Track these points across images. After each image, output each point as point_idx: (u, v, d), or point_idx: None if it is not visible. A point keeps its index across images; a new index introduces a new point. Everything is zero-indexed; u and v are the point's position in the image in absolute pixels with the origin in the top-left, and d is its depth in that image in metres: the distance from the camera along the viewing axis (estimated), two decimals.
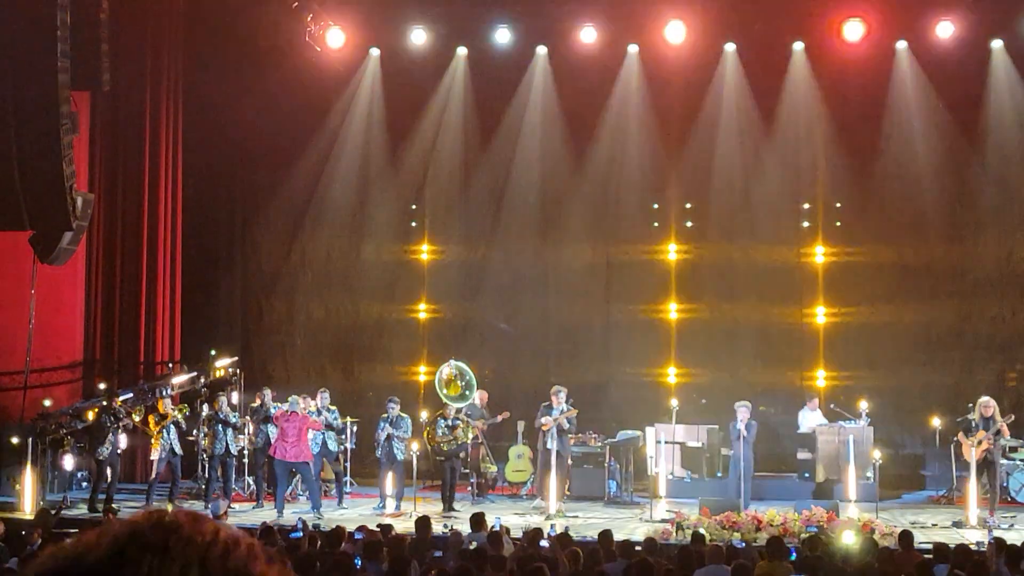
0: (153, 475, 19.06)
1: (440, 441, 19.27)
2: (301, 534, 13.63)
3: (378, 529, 13.71)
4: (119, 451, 19.16)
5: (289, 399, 18.94)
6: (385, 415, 19.44)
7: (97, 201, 20.66)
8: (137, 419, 19.25)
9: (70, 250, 18.18)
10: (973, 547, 13.71)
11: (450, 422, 19.34)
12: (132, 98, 22.01)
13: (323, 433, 19.60)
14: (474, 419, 20.67)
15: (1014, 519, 17.79)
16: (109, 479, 18.81)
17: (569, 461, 19.84)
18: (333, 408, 20.01)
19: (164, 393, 19.69)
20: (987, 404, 18.18)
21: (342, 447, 20.35)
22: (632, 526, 17.28)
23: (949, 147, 22.96)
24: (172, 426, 19.00)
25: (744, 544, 14.62)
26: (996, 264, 23.14)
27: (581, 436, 20.57)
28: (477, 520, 13.72)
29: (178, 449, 19.11)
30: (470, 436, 19.26)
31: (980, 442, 17.84)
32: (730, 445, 20.09)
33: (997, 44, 22.42)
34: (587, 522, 17.57)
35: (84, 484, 20.24)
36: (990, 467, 17.98)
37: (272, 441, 19.09)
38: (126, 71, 21.23)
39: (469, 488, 20.24)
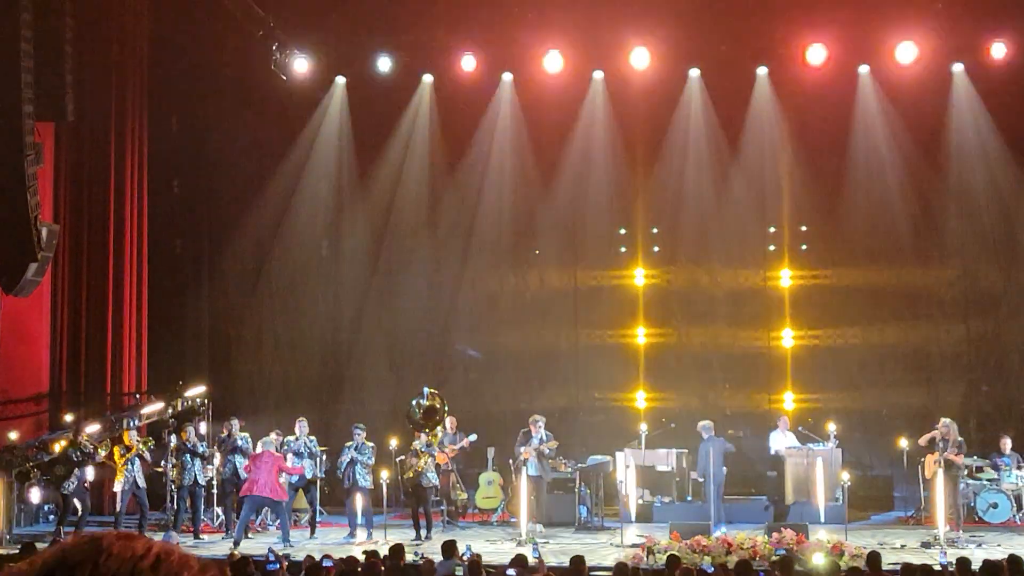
0: (118, 507, 18.97)
1: (400, 471, 19.34)
2: (277, 566, 13.55)
3: (364, 555, 13.63)
4: (86, 485, 19.03)
5: (262, 440, 18.86)
6: (350, 442, 19.40)
7: (62, 232, 20.58)
8: (103, 453, 19.12)
9: (35, 281, 18.09)
10: (938, 568, 13.79)
11: (411, 453, 19.31)
12: (97, 128, 21.93)
13: (302, 462, 19.51)
14: (444, 446, 20.69)
15: (982, 538, 17.89)
16: (80, 513, 18.68)
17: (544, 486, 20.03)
18: (312, 437, 19.93)
19: (130, 425, 19.58)
20: (944, 426, 18.82)
21: (320, 473, 20.27)
22: (603, 551, 17.26)
23: (912, 169, 23.16)
24: (136, 458, 18.91)
25: (714, 568, 14.66)
26: (960, 285, 23.33)
27: (551, 461, 20.67)
28: (448, 548, 13.70)
29: (141, 482, 19.01)
30: (424, 464, 19.11)
31: (933, 462, 18.45)
32: (697, 468, 20.26)
33: (958, 68, 22.64)
34: (558, 548, 17.55)
35: (51, 517, 20.07)
36: (947, 487, 18.24)
37: (238, 471, 19.08)
38: (90, 102, 21.18)
39: (440, 515, 20.19)
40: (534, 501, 19.60)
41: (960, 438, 19.04)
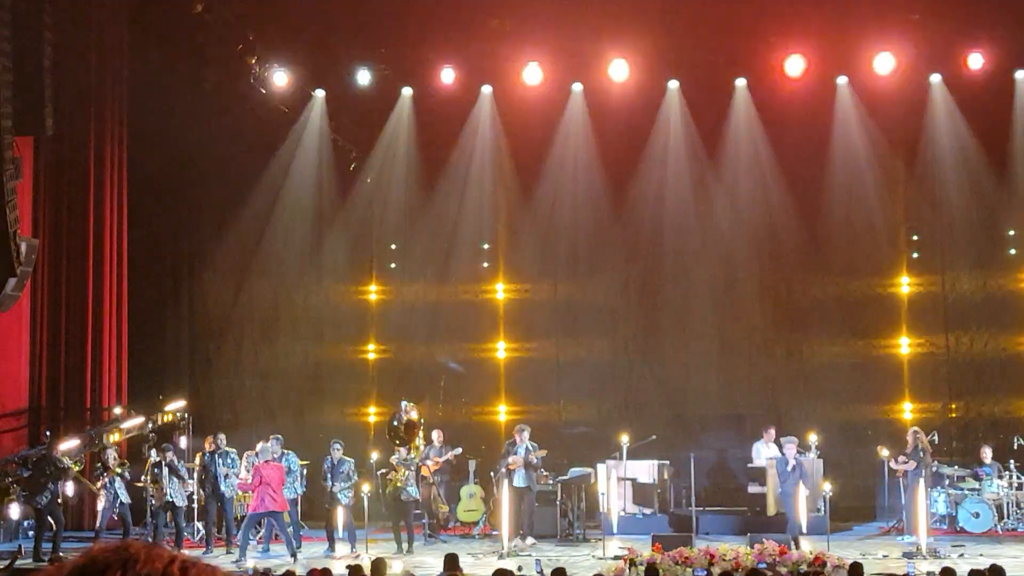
0: (99, 524, 18.90)
1: (382, 486, 19.36)
2: None
3: (347, 570, 13.57)
4: (60, 499, 18.93)
5: (259, 447, 18.78)
6: (328, 456, 19.31)
7: (41, 247, 20.48)
8: (77, 468, 19.00)
9: (14, 296, 18.01)
10: None
11: (390, 467, 19.29)
12: (76, 143, 21.86)
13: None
14: (428, 458, 20.75)
15: (964, 548, 17.95)
16: (54, 528, 18.56)
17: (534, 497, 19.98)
18: (290, 452, 19.84)
19: (108, 442, 19.49)
20: (910, 433, 19.49)
21: (301, 488, 20.28)
22: (585, 564, 17.24)
23: (890, 180, 23.27)
24: (117, 478, 18.83)
25: (705, 571, 14.75)
26: (940, 295, 23.41)
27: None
28: (451, 561, 13.67)
29: (125, 498, 18.92)
30: (403, 478, 19.04)
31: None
32: (682, 481, 20.26)
33: (936, 78, 22.76)
34: (540, 560, 17.50)
35: (31, 533, 19.92)
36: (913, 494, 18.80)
37: (223, 488, 19.07)
38: (70, 116, 21.11)
39: (422, 528, 20.13)
40: (523, 513, 19.56)
41: (920, 446, 19.24)
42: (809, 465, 20.06)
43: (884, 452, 20.15)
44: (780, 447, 20.98)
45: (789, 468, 18.44)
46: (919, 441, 19.35)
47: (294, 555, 17.98)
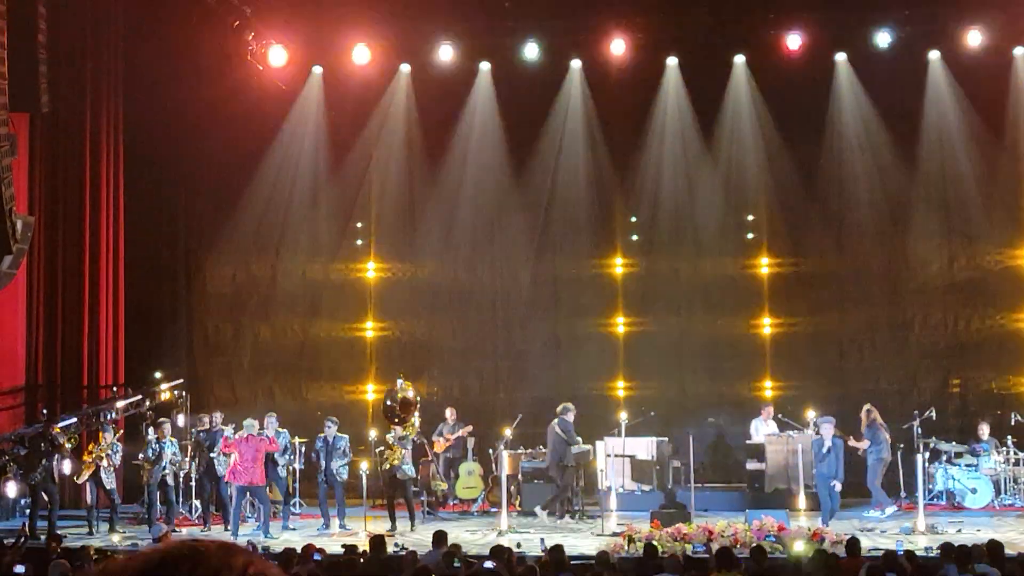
0: (89, 501, 18.91)
1: (379, 463, 19.38)
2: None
3: (343, 549, 13.55)
4: (55, 477, 18.90)
5: (245, 423, 18.76)
6: (321, 434, 19.30)
7: (38, 224, 20.44)
8: (70, 446, 18.97)
9: (10, 274, 17.97)
10: (921, 552, 13.87)
11: (385, 446, 19.28)
12: (72, 119, 21.79)
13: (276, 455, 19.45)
14: (442, 435, 20.88)
15: (961, 523, 17.99)
16: (49, 506, 18.54)
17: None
18: (283, 430, 19.82)
19: (107, 418, 19.46)
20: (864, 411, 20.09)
21: (299, 465, 20.34)
22: (584, 540, 17.24)
23: (889, 156, 23.20)
24: (105, 457, 18.83)
25: (704, 547, 14.79)
26: (938, 272, 23.38)
27: (531, 451, 20.77)
28: (439, 537, 13.66)
29: (107, 480, 18.87)
30: (398, 456, 19.01)
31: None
32: (681, 458, 20.26)
33: (934, 55, 22.69)
34: (538, 537, 17.50)
35: (28, 511, 19.91)
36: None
37: (217, 465, 19.07)
38: (65, 92, 21.02)
39: (421, 506, 20.12)
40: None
41: (877, 422, 19.70)
42: (807, 441, 20.08)
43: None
44: (776, 423, 21.03)
45: (824, 450, 18.32)
46: (873, 418, 19.49)
47: (266, 532, 18.00)
